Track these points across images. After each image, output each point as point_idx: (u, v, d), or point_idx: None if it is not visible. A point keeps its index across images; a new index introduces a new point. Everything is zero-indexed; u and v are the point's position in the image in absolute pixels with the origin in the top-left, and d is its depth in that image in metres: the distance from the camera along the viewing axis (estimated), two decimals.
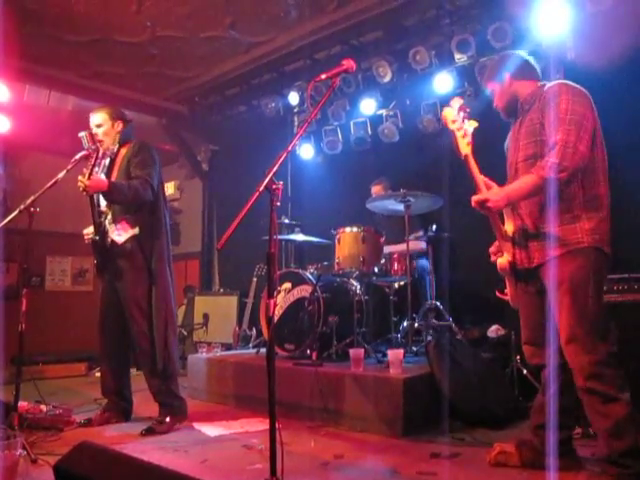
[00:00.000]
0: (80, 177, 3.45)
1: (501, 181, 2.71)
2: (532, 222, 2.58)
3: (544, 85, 2.71)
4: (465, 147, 2.55)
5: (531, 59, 2.83)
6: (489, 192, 2.55)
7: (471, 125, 2.57)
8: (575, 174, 2.44)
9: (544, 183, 2.42)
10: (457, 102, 2.60)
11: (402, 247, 4.77)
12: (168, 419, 3.62)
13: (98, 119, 3.78)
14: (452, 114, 2.58)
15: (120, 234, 3.63)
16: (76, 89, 6.73)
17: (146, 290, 3.66)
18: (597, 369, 2.38)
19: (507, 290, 2.78)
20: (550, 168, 2.39)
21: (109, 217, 3.69)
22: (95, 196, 3.67)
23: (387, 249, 4.71)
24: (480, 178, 2.60)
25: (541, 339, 2.62)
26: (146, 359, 3.65)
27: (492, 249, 2.79)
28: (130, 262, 3.64)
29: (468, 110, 2.59)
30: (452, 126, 2.57)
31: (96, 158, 3.60)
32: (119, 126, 3.81)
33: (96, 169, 3.56)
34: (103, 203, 3.72)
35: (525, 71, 2.78)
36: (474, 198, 2.52)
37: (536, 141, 2.59)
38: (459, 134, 2.55)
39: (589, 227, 2.46)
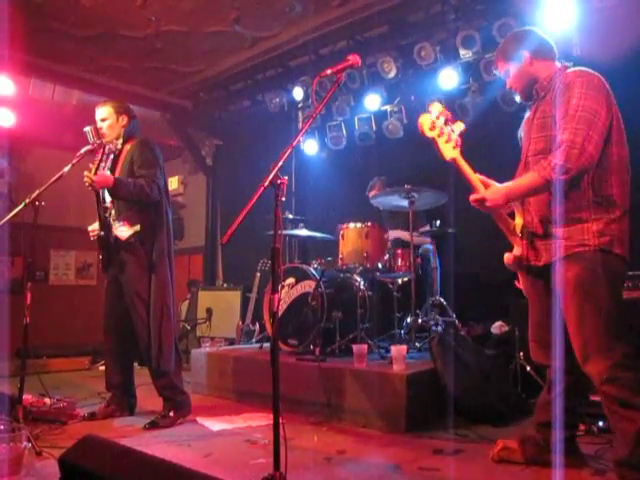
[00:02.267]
0: (86, 172, 3.46)
1: (512, 173, 2.69)
2: (540, 220, 2.53)
3: (562, 69, 2.58)
4: (450, 151, 2.49)
5: (548, 37, 2.69)
6: (488, 191, 2.48)
7: (457, 127, 2.50)
8: (579, 176, 2.34)
9: (546, 184, 2.34)
10: (436, 108, 2.52)
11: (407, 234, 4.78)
12: (172, 413, 3.64)
13: (103, 113, 3.78)
14: (428, 121, 2.50)
15: (123, 230, 3.64)
16: (81, 83, 6.75)
17: (147, 284, 3.67)
18: (611, 373, 2.30)
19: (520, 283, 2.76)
20: (553, 169, 2.31)
21: (112, 213, 3.70)
22: (100, 192, 3.69)
23: (393, 234, 4.70)
24: (475, 177, 2.53)
25: (547, 338, 2.57)
26: (148, 352, 3.66)
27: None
28: (133, 257, 3.66)
29: (449, 113, 2.51)
30: (430, 133, 2.50)
31: (103, 153, 3.61)
32: (124, 120, 3.81)
33: (102, 164, 3.56)
34: (107, 199, 3.73)
35: (545, 50, 2.64)
36: (472, 197, 2.49)
37: (546, 136, 2.49)
38: (441, 140, 2.49)
39: (596, 229, 2.37)
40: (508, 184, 2.52)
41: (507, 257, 2.64)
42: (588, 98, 2.37)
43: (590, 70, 2.49)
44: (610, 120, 2.40)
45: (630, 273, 3.41)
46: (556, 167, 2.30)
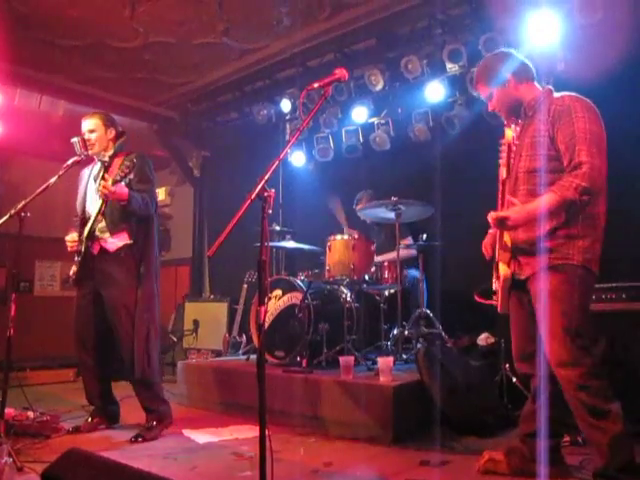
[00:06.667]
0: (103, 182, 3.43)
1: (493, 185, 2.72)
2: (526, 235, 2.57)
3: (548, 91, 2.65)
4: (504, 171, 2.60)
5: (526, 59, 2.76)
6: (510, 210, 2.52)
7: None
8: (595, 197, 2.41)
9: (567, 204, 2.38)
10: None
11: (392, 255, 4.80)
12: (156, 424, 3.62)
13: (91, 124, 3.77)
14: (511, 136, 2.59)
15: (114, 242, 3.63)
16: (68, 94, 6.71)
17: (134, 297, 3.65)
18: (583, 380, 2.38)
19: (496, 296, 2.76)
20: (576, 190, 2.34)
21: (101, 225, 3.67)
22: (94, 203, 3.67)
23: (377, 259, 4.72)
24: (506, 201, 2.58)
25: (530, 349, 2.63)
26: (131, 365, 3.64)
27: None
28: (122, 270, 3.64)
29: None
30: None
31: (130, 168, 3.59)
32: (112, 133, 3.81)
33: (126, 178, 3.54)
34: (94, 211, 3.70)
35: (527, 72, 2.71)
36: (493, 215, 2.51)
37: (541, 155, 2.53)
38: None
39: (582, 246, 2.45)
40: (529, 205, 2.53)
41: (505, 274, 2.65)
42: (593, 123, 2.45)
43: (580, 95, 2.56)
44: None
45: (604, 285, 3.47)
46: (579, 188, 2.35)
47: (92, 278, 3.71)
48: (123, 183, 3.57)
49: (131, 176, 3.65)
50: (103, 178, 3.72)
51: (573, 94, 2.57)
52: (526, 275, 2.58)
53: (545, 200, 2.45)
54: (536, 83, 2.73)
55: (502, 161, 2.63)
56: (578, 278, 2.46)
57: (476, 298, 2.85)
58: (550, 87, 2.69)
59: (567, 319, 2.43)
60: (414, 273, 5.05)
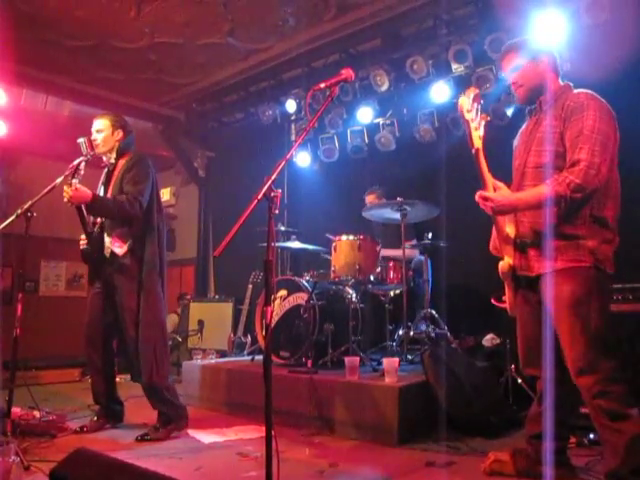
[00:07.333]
0: (65, 187, 3.42)
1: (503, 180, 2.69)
2: (534, 231, 2.53)
3: (566, 87, 2.62)
4: (477, 140, 2.46)
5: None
6: (497, 193, 2.48)
7: (483, 119, 2.48)
8: (591, 196, 2.38)
9: (559, 199, 2.35)
10: (472, 92, 2.49)
11: (397, 252, 4.79)
12: (165, 426, 3.62)
13: (99, 124, 3.79)
14: (468, 103, 2.46)
15: (117, 246, 3.63)
16: (73, 94, 6.75)
17: (137, 299, 3.65)
18: (602, 387, 2.33)
19: (505, 297, 2.74)
20: (568, 186, 2.32)
21: (105, 227, 3.69)
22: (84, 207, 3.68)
23: (383, 253, 4.72)
24: (488, 176, 2.51)
25: (537, 350, 2.58)
26: (138, 369, 3.64)
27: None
28: (125, 273, 3.64)
29: (482, 102, 2.50)
30: (467, 116, 2.46)
31: (76, 169, 3.48)
32: (119, 135, 3.81)
33: (75, 180, 3.45)
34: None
35: (557, 65, 2.68)
36: (480, 193, 2.48)
37: (551, 151, 2.50)
38: (473, 125, 2.46)
39: (591, 246, 2.41)
40: (519, 194, 2.52)
41: (502, 265, 2.63)
42: (603, 122, 2.42)
43: (598, 95, 2.53)
44: (616, 146, 2.46)
45: (619, 286, 3.45)
46: (572, 184, 2.33)
47: (102, 280, 3.74)
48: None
49: (126, 178, 3.66)
50: (108, 180, 3.75)
51: (590, 92, 2.53)
52: (536, 272, 2.52)
53: (536, 192, 2.44)
54: (560, 81, 2.69)
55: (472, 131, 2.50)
56: (593, 280, 2.41)
57: (493, 301, 2.83)
58: (569, 83, 2.65)
59: (585, 325, 2.37)
60: (419, 274, 5.04)
